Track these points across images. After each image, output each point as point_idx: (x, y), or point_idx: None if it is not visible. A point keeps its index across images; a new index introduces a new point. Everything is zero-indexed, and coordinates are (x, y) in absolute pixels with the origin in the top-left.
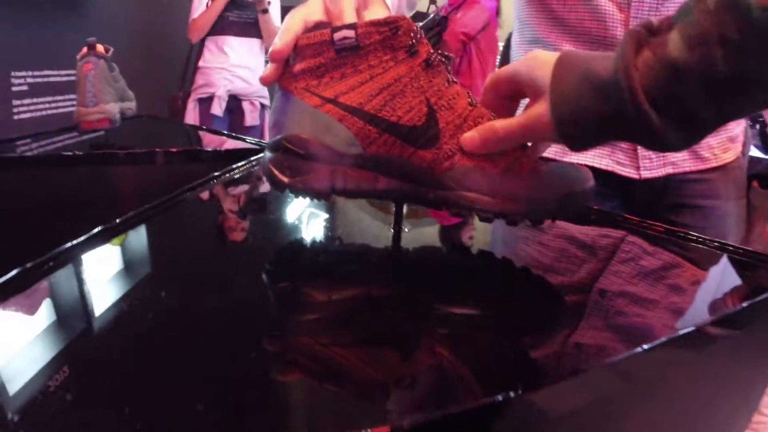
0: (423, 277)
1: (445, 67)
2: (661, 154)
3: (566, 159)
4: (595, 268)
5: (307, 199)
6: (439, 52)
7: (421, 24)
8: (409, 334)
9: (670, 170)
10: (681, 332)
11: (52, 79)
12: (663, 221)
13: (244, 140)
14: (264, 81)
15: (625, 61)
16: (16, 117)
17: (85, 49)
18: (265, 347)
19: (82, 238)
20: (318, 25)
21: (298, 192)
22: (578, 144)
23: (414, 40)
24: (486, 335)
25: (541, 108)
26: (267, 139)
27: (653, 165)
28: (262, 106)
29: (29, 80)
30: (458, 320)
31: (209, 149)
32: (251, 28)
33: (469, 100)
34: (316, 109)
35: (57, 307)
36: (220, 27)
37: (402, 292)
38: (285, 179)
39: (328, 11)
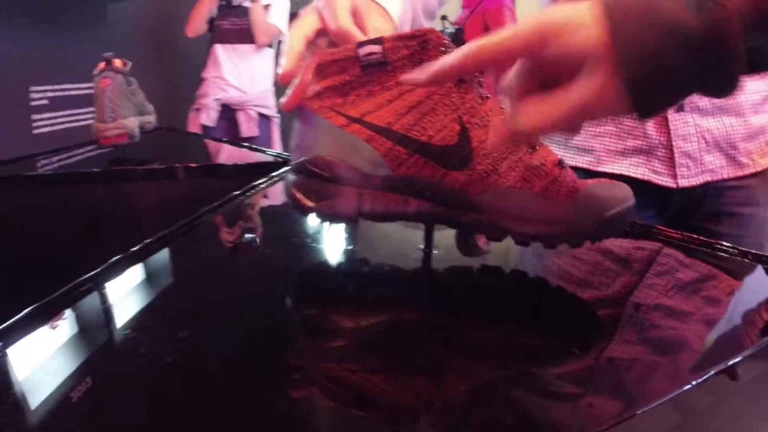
0: (455, 300)
1: (477, 82)
2: (699, 162)
3: (600, 169)
4: (630, 283)
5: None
6: None
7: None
8: (440, 360)
9: (708, 178)
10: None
11: (71, 92)
12: (700, 230)
13: (264, 152)
14: (284, 108)
15: (719, 3)
16: (35, 131)
17: (102, 64)
18: (292, 375)
19: (101, 268)
20: (319, 34)
21: (324, 217)
22: (652, 112)
23: (445, 54)
24: (520, 361)
25: (600, 78)
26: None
27: (691, 173)
28: (262, 116)
29: (49, 94)
30: (491, 346)
31: (230, 164)
32: (244, 34)
33: (503, 116)
34: (341, 130)
35: (81, 337)
36: (216, 36)
37: (433, 317)
38: (310, 204)
39: (322, 16)
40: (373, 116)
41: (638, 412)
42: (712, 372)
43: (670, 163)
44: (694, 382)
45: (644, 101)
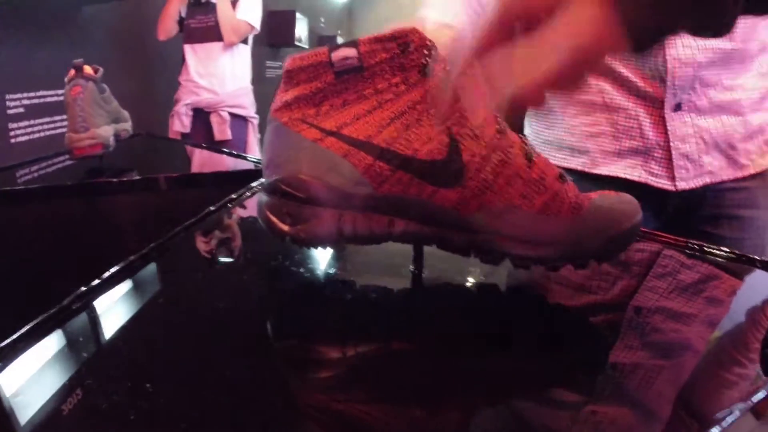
0: (447, 324)
1: None
2: (698, 164)
3: (595, 171)
4: (630, 288)
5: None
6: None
7: None
8: (432, 389)
9: (707, 180)
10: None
11: (48, 99)
12: (699, 233)
13: (245, 158)
14: None
15: None
16: (13, 140)
17: (72, 72)
18: (277, 409)
19: (66, 301)
20: None
21: (301, 242)
22: (646, 44)
23: (428, 58)
24: (518, 389)
25: (589, 14)
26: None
27: (689, 175)
28: (234, 116)
29: (25, 102)
30: (486, 372)
31: (209, 173)
32: (212, 32)
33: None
34: (315, 144)
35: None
36: (185, 36)
37: (424, 344)
38: (285, 228)
39: None
40: (350, 129)
41: None
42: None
43: (668, 164)
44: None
45: (641, 31)
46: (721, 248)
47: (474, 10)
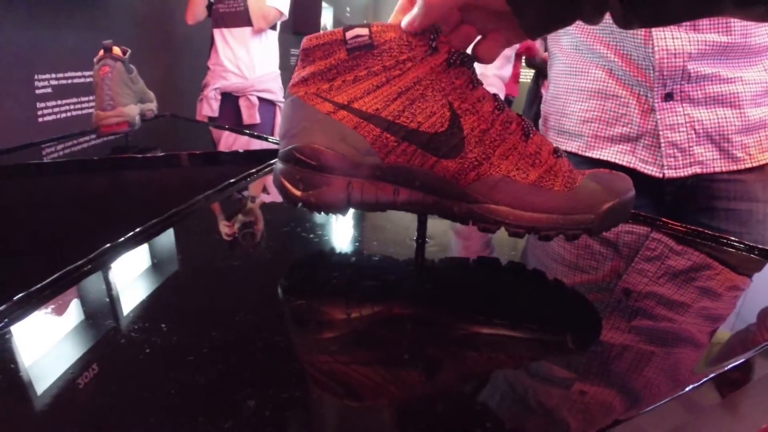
0: (447, 292)
1: (468, 67)
2: (688, 153)
3: (588, 154)
4: (625, 272)
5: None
6: (462, 51)
7: None
8: (432, 353)
9: (697, 170)
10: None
11: (75, 80)
12: (695, 224)
13: (266, 140)
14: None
15: None
16: (41, 120)
17: (101, 52)
18: (281, 366)
19: (93, 254)
20: None
21: (312, 206)
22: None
23: (433, 36)
24: (513, 354)
25: None
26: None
27: (678, 164)
28: (263, 101)
29: (53, 82)
30: (484, 338)
31: (228, 151)
32: (241, 17)
33: (496, 103)
34: (328, 116)
35: (76, 320)
36: (214, 21)
37: (425, 309)
38: (297, 193)
39: None
40: (360, 102)
41: (641, 411)
42: (716, 372)
43: (656, 151)
44: (701, 380)
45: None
46: (723, 236)
47: None
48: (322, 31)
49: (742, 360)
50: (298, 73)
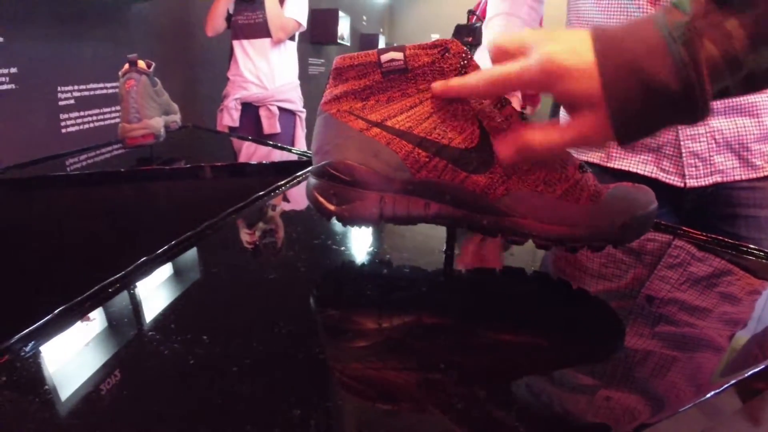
0: (475, 302)
1: None
2: (708, 162)
3: (610, 165)
4: (647, 280)
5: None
6: None
7: (470, 41)
8: (462, 361)
9: (717, 179)
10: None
11: (97, 92)
12: (716, 232)
13: (289, 151)
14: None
15: (697, 71)
16: (64, 131)
17: (126, 66)
18: (315, 373)
19: (127, 270)
20: None
21: (346, 220)
22: (633, 142)
23: (464, 62)
24: (540, 361)
25: (592, 120)
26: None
27: (699, 173)
28: (283, 110)
29: (75, 94)
30: (510, 346)
31: (254, 163)
32: (260, 28)
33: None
34: (361, 133)
35: (107, 338)
36: (233, 32)
37: (454, 319)
38: (331, 207)
39: None
40: (393, 121)
41: (664, 417)
42: (736, 379)
43: (678, 161)
44: (722, 387)
45: (627, 138)
46: (740, 243)
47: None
48: (351, 51)
49: (763, 366)
50: (330, 91)
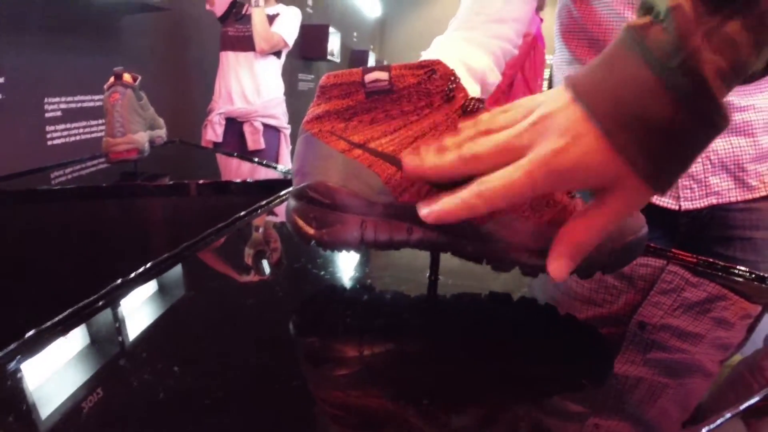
0: (460, 328)
1: (483, 111)
2: (704, 184)
3: None
4: (638, 304)
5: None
6: (477, 98)
7: None
8: (446, 390)
9: (713, 201)
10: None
11: (84, 104)
12: (711, 254)
13: (274, 168)
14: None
15: (707, 96)
16: (50, 143)
17: (111, 79)
18: (295, 402)
19: (103, 291)
20: None
21: (326, 245)
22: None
23: (452, 85)
24: (527, 390)
25: (626, 190)
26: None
27: (694, 195)
28: (267, 126)
29: (62, 106)
30: (497, 375)
31: (238, 181)
32: (247, 41)
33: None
34: (342, 155)
35: (86, 358)
36: (222, 44)
37: (438, 346)
38: (311, 231)
39: None
40: (377, 143)
41: None
42: (731, 413)
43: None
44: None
45: (667, 186)
46: (734, 267)
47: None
48: (339, 69)
49: (757, 399)
50: (313, 109)
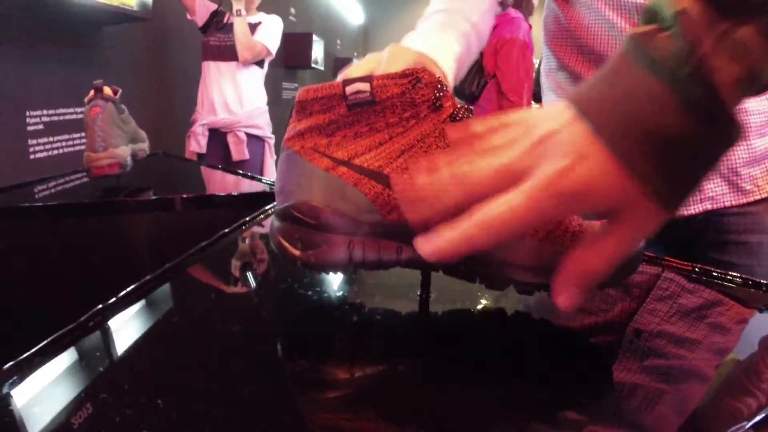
0: (453, 347)
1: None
2: (698, 189)
3: None
4: (634, 311)
5: None
6: (465, 106)
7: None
8: (440, 409)
9: (708, 206)
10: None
11: (66, 117)
12: (707, 260)
13: (260, 180)
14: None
15: (722, 108)
16: (32, 156)
17: (92, 93)
18: (285, 427)
19: (85, 316)
20: None
21: (312, 266)
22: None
23: (439, 93)
24: (523, 406)
25: (639, 212)
26: (265, 176)
27: (689, 201)
28: (251, 137)
29: (44, 119)
30: (492, 392)
31: (223, 194)
32: (229, 51)
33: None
34: (327, 173)
35: (55, 404)
36: (204, 53)
37: (431, 366)
38: (296, 252)
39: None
40: (362, 159)
41: None
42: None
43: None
44: None
45: (681, 204)
46: (728, 273)
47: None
48: (318, 84)
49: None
50: (293, 126)
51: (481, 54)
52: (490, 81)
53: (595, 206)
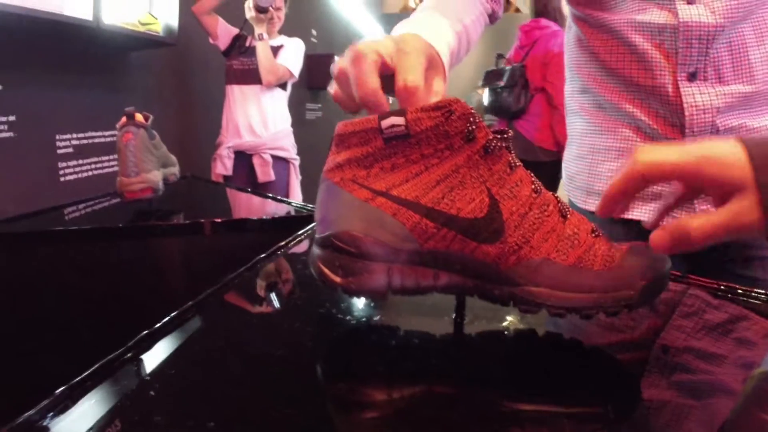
0: (488, 370)
1: (506, 149)
2: None
3: (623, 215)
4: (656, 332)
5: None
6: (499, 136)
7: (502, 84)
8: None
9: None
10: None
11: (95, 140)
12: (732, 275)
13: (288, 203)
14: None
15: None
16: (62, 179)
17: (123, 119)
18: None
19: (127, 345)
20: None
21: (352, 293)
22: None
23: (472, 126)
24: (559, 425)
25: (745, 204)
26: (291, 197)
27: None
28: (277, 159)
29: (74, 142)
30: (525, 414)
31: (255, 218)
32: (252, 74)
33: (533, 186)
34: (366, 203)
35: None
36: (227, 77)
37: (467, 388)
38: (337, 279)
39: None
40: (399, 190)
41: None
42: None
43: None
44: None
45: None
46: (753, 290)
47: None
48: (356, 119)
49: None
50: (332, 157)
51: (525, 67)
52: (537, 95)
53: (720, 181)
